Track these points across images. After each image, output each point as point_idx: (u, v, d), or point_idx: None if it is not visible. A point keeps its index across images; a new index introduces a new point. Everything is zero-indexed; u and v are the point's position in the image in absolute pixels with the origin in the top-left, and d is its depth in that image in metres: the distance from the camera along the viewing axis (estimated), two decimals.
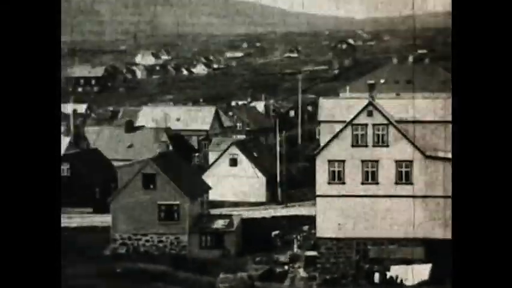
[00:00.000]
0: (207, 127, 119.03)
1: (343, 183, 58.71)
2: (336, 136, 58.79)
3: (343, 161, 58.71)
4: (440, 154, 57.76)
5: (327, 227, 58.70)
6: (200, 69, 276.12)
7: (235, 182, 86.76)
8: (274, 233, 69.98)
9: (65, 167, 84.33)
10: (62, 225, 76.55)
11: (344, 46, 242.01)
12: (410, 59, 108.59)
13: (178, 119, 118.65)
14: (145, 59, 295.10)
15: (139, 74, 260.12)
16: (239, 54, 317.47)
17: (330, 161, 58.84)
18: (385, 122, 58.21)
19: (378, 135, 58.36)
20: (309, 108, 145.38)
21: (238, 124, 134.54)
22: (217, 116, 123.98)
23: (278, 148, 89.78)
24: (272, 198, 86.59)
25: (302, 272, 60.24)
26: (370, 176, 58.45)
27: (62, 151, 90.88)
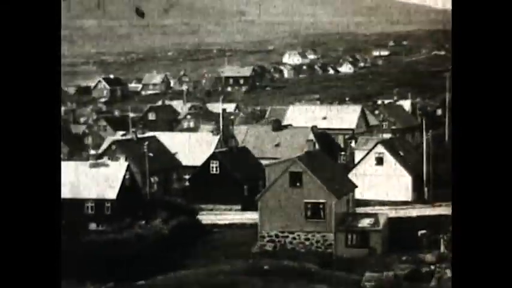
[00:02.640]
0: (353, 126, 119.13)
1: None
2: None
3: None
4: None
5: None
6: (346, 68, 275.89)
7: (381, 181, 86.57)
8: (420, 232, 69.51)
9: (214, 165, 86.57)
10: (211, 221, 79.11)
11: None
12: None
13: (324, 118, 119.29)
14: (292, 58, 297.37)
15: (286, 73, 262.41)
16: (385, 52, 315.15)
17: None
18: None
19: None
20: None
21: (384, 123, 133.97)
22: (363, 115, 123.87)
23: (425, 147, 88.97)
24: (418, 198, 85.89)
25: (449, 273, 59.66)
26: None
27: (211, 149, 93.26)
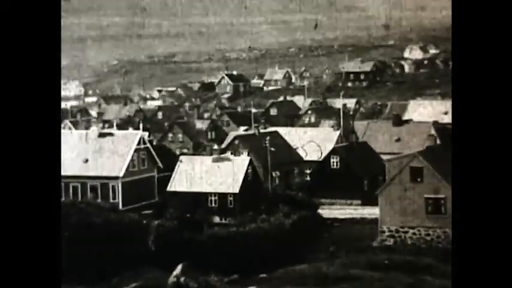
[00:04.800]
0: None
1: None
2: None
3: None
4: None
5: None
6: None
7: None
8: None
9: (334, 160, 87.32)
10: (332, 216, 79.82)
11: None
12: None
13: (445, 113, 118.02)
14: (413, 53, 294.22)
15: (407, 68, 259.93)
16: None
17: None
18: None
19: None
20: None
21: None
22: None
23: None
24: None
25: None
26: None
27: (332, 145, 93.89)
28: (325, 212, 79.42)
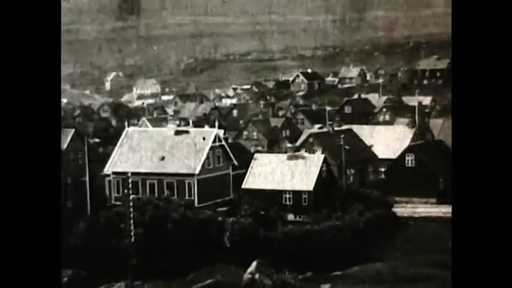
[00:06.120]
0: None
1: None
2: None
3: None
4: None
5: None
6: None
7: None
8: None
9: (409, 158, 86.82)
10: (407, 214, 79.34)
11: None
12: None
13: None
14: None
15: None
16: None
17: None
18: None
19: None
20: None
21: None
22: None
23: None
24: None
25: None
26: None
27: (407, 142, 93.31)
28: (400, 210, 79.10)
